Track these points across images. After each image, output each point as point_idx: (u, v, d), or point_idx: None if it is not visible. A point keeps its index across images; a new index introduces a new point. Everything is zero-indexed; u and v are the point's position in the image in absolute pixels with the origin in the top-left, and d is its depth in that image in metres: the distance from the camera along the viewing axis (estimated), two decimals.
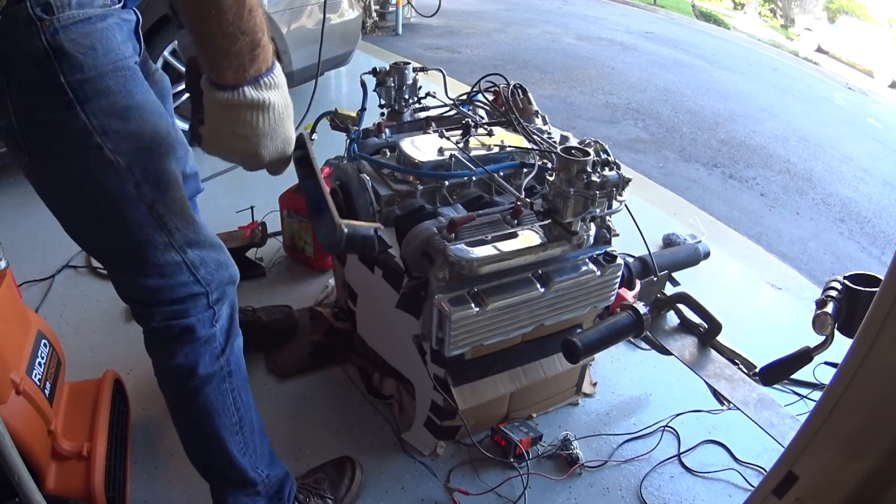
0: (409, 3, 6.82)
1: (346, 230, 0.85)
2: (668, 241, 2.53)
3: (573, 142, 1.50)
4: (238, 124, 0.77)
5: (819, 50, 11.28)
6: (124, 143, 0.84)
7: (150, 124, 0.87)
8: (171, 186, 0.91)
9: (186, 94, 2.66)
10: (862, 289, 1.19)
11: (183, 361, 1.00)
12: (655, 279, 1.58)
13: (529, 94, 1.71)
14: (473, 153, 1.45)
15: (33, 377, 1.13)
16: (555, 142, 1.55)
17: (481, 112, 1.77)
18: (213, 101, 0.76)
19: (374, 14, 6.67)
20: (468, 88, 1.83)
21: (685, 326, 1.60)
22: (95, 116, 0.81)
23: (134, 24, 0.90)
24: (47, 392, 1.17)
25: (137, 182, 0.86)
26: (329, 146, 2.19)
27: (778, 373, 1.32)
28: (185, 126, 2.92)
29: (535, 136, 1.54)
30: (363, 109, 1.62)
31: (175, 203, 0.92)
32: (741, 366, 1.48)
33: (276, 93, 0.77)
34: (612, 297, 1.45)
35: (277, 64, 0.78)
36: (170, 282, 0.94)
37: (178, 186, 0.93)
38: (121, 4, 0.86)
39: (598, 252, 1.38)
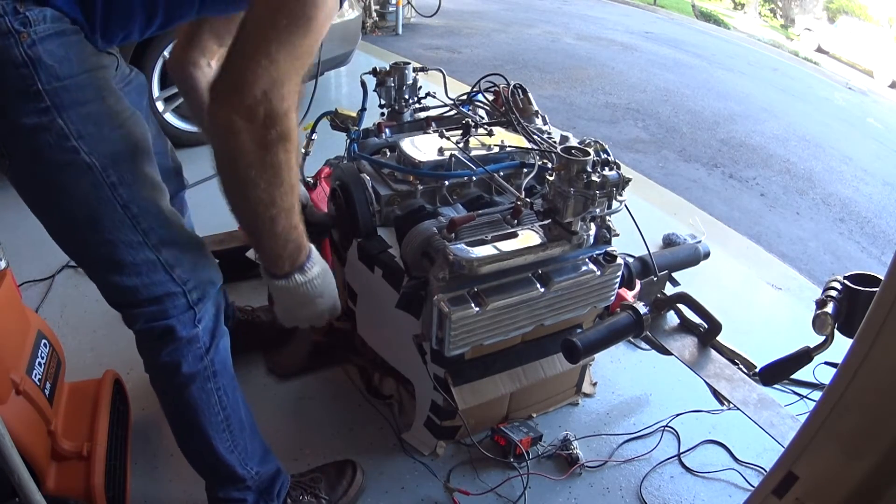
0: (409, 3, 6.82)
1: None
2: (668, 241, 2.53)
3: (573, 142, 1.50)
4: (295, 299, 1.03)
5: (819, 50, 11.27)
6: (99, 147, 0.88)
7: (124, 129, 0.92)
8: (145, 188, 0.95)
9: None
10: (862, 289, 1.19)
11: (167, 360, 1.03)
12: (655, 279, 1.58)
13: (529, 94, 1.71)
14: (473, 153, 1.45)
15: (33, 377, 1.13)
16: (555, 142, 1.55)
17: (481, 112, 1.76)
18: (273, 286, 1.01)
19: (374, 14, 6.67)
20: (468, 88, 1.83)
21: (685, 326, 1.60)
22: (72, 121, 0.85)
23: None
24: (47, 392, 1.17)
25: (112, 184, 0.90)
26: (329, 146, 2.19)
27: (778, 373, 1.32)
28: (182, 124, 2.92)
29: (535, 136, 1.54)
30: (363, 109, 1.62)
31: (150, 204, 0.96)
32: (741, 366, 1.48)
33: (316, 269, 1.02)
34: (612, 297, 1.45)
35: (312, 248, 1.02)
36: (146, 280, 0.97)
37: (152, 188, 0.97)
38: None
39: (598, 252, 1.38)
